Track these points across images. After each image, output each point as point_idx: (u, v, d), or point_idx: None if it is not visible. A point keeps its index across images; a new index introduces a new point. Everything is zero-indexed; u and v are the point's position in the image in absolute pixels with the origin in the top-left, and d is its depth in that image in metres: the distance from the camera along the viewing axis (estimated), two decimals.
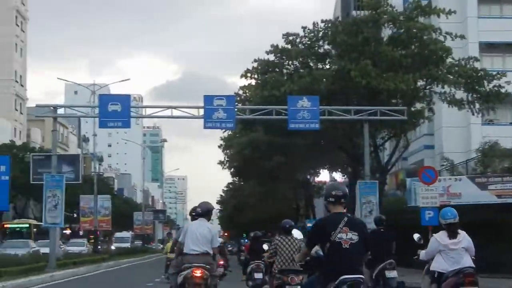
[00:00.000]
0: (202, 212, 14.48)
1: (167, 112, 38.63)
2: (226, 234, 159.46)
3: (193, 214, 15.10)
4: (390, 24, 40.71)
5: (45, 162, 41.24)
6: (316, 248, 9.18)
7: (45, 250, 43.89)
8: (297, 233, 15.84)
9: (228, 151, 61.27)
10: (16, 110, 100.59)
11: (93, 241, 63.00)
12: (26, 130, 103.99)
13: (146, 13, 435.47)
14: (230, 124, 38.29)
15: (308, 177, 67.97)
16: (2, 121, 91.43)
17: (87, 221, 59.08)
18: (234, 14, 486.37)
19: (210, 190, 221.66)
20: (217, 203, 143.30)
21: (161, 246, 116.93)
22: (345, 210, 9.18)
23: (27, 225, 61.58)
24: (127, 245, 78.48)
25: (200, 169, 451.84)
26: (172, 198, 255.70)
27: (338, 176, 79.68)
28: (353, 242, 8.96)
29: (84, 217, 59.51)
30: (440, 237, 13.29)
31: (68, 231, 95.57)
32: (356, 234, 9.02)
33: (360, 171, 47.09)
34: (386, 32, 42.38)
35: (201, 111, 37.92)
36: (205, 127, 37.62)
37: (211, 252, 14.14)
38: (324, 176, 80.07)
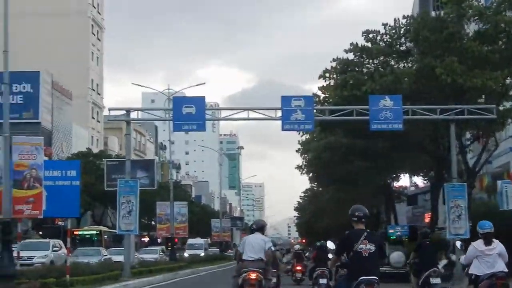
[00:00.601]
0: (257, 227, 17.98)
1: (244, 114, 37.05)
2: (303, 241, 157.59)
3: (251, 228, 18.61)
4: (476, 19, 38.43)
5: (119, 168, 40.13)
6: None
7: (118, 258, 42.83)
8: (330, 244, 17.94)
9: (306, 155, 59.55)
10: (93, 118, 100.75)
11: (170, 248, 62.02)
12: (103, 138, 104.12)
13: (222, 22, 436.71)
14: (309, 125, 36.48)
15: (389, 181, 65.73)
16: (80, 129, 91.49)
17: (163, 228, 57.82)
18: (310, 21, 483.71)
19: (287, 197, 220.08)
20: (294, 209, 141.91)
21: None
22: (364, 227, 12.24)
23: (97, 232, 61.26)
24: (201, 252, 76.50)
25: (277, 176, 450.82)
26: (249, 206, 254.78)
27: (419, 181, 77.29)
28: (371, 251, 11.96)
29: (161, 224, 58.26)
30: (477, 245, 15.68)
31: (146, 239, 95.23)
32: (373, 245, 12.03)
33: (444, 175, 44.81)
34: (471, 27, 40.10)
35: (279, 113, 36.26)
36: (283, 129, 35.96)
37: (264, 259, 17.16)
38: (404, 180, 77.71)
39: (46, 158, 75.21)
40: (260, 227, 17.93)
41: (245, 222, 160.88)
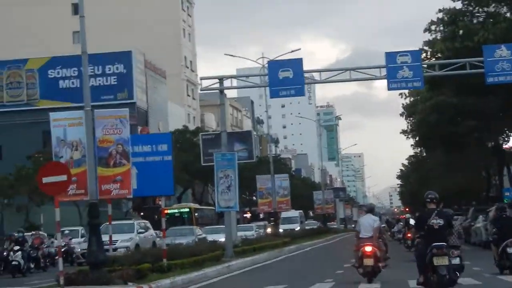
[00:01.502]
0: (367, 210, 22.66)
1: (345, 75, 33.64)
2: (407, 209, 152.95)
3: (364, 210, 23.59)
4: None
5: (216, 142, 37.18)
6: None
7: (213, 237, 40.20)
8: (411, 221, 24.59)
9: (411, 118, 55.58)
10: (188, 95, 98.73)
11: (273, 223, 59.40)
12: (199, 115, 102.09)
13: None
14: (418, 83, 32.86)
15: (501, 142, 61.26)
16: (175, 107, 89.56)
17: (265, 202, 54.63)
18: None
19: (387, 166, 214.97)
20: (397, 177, 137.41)
21: (342, 225, 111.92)
22: (435, 206, 15.84)
23: (187, 210, 58.38)
24: (296, 226, 70.42)
25: (376, 146, 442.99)
26: (349, 176, 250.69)
27: None
28: (440, 225, 15.63)
29: (262, 199, 55.15)
30: None
31: (248, 215, 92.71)
32: (442, 220, 15.68)
33: None
34: None
35: (383, 72, 32.73)
36: (389, 89, 32.55)
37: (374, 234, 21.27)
38: None
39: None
40: (370, 209, 22.91)
41: (348, 193, 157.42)
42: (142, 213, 65.33)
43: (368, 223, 21.36)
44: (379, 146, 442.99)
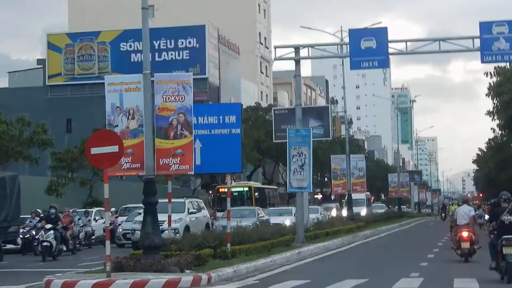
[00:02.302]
0: (463, 201, 26.36)
1: (434, 46, 30.14)
2: (481, 195, 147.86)
3: (458, 204, 29.53)
4: None
5: (289, 118, 34.01)
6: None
7: (277, 219, 37.21)
8: (469, 207, 24.95)
9: (497, 98, 51.37)
10: (262, 73, 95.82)
11: (346, 206, 56.21)
12: (272, 93, 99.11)
13: None
14: None
15: None
16: (248, 84, 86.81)
17: (339, 184, 50.94)
18: None
19: (461, 150, 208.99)
20: (472, 162, 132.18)
21: (416, 210, 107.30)
22: (507, 205, 18.29)
23: (247, 189, 53.31)
24: (361, 209, 64.19)
25: (450, 130, 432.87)
26: (422, 160, 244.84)
27: None
28: (510, 221, 17.70)
29: (336, 180, 51.46)
30: None
31: (319, 196, 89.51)
32: None
33: None
34: None
35: (476, 43, 29.16)
36: (482, 61, 29.41)
37: (470, 222, 24.35)
38: None
39: None
40: (465, 201, 26.40)
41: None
42: (211, 192, 62.72)
43: (464, 212, 24.51)
44: (453, 130, 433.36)
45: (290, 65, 32.55)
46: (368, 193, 73.99)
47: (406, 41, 30.75)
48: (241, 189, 52.80)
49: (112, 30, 72.94)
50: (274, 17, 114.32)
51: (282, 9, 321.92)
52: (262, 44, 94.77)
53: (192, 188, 62.53)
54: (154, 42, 71.64)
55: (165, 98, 20.08)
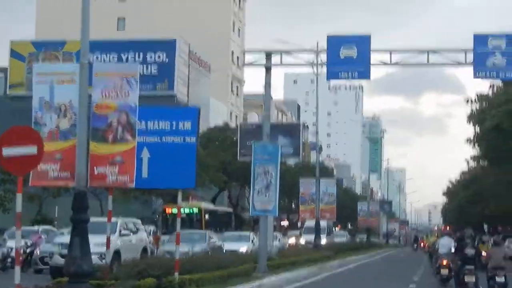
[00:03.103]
0: (446, 234, 30.80)
1: (423, 59, 26.81)
2: (447, 227, 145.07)
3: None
4: None
5: (257, 134, 30.54)
6: None
7: (232, 246, 33.42)
8: (450, 239, 28.09)
9: (478, 126, 47.94)
10: (233, 93, 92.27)
11: (305, 233, 52.51)
12: (242, 114, 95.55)
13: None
14: None
15: None
16: (218, 104, 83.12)
17: (307, 210, 47.26)
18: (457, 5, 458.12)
19: (429, 183, 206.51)
20: (443, 194, 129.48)
21: (385, 240, 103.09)
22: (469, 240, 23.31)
23: (197, 210, 47.45)
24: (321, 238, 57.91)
25: (419, 162, 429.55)
26: (390, 191, 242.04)
27: None
28: (472, 254, 22.39)
29: (304, 205, 47.71)
30: None
31: (285, 222, 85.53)
32: (473, 250, 22.71)
33: None
34: None
35: (469, 57, 25.87)
36: (475, 76, 26.35)
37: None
38: None
39: None
40: (447, 234, 30.61)
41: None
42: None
43: (446, 244, 27.42)
44: (422, 163, 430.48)
45: (262, 88, 28.95)
46: (330, 221, 67.03)
47: (391, 51, 27.35)
48: (189, 210, 46.89)
49: (78, 40, 69.00)
50: (248, 38, 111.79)
51: (258, 29, 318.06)
52: (234, 63, 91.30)
53: (153, 206, 58.51)
54: (122, 54, 68.32)
55: (105, 93, 16.47)
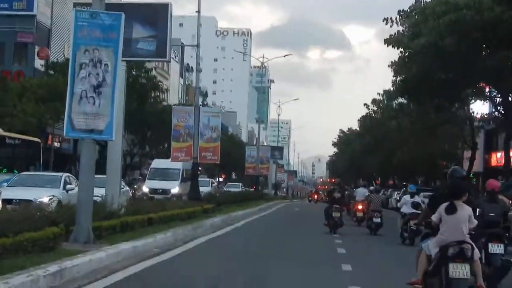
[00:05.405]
0: (363, 185, 39.60)
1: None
2: (333, 180, 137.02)
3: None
4: None
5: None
6: None
7: (22, 193, 21.29)
8: (365, 190, 33.89)
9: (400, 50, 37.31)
10: None
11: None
12: None
13: None
14: None
15: None
16: None
17: (181, 148, 34.03)
18: None
19: (315, 135, 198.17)
20: (333, 145, 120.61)
21: (273, 191, 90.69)
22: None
23: None
24: (173, 186, 40.93)
25: (305, 115, 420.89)
26: (275, 142, 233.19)
27: None
28: (339, 196, 27.40)
29: (178, 142, 34.38)
30: None
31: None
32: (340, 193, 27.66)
33: None
34: None
35: None
36: None
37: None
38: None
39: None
40: (364, 185, 38.43)
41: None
42: None
43: (362, 193, 32.81)
44: (306, 116, 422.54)
45: None
46: (189, 162, 45.78)
47: None
48: None
49: None
50: None
51: None
52: None
53: None
54: None
55: None
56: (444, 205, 9.61)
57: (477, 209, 12.04)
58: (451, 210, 9.52)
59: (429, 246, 9.75)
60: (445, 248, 9.41)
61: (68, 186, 23.12)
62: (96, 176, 14.95)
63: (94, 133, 14.04)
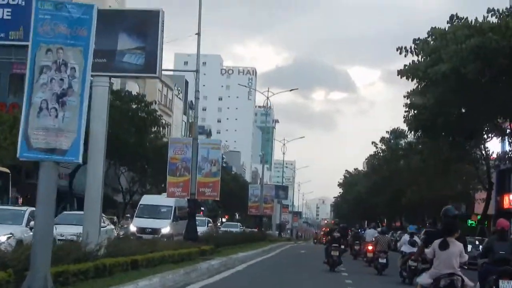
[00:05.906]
0: (372, 226, 39.77)
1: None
2: (333, 222, 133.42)
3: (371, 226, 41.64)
4: None
5: None
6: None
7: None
8: (374, 231, 34.55)
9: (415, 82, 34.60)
10: None
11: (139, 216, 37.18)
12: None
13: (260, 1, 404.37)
14: None
15: None
16: None
17: (178, 183, 30.62)
18: (347, 3, 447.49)
19: (320, 177, 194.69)
20: (338, 186, 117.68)
21: (278, 232, 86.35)
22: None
23: None
24: (163, 225, 36.61)
25: (309, 156, 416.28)
26: (279, 183, 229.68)
27: None
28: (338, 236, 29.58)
29: (174, 177, 30.81)
30: None
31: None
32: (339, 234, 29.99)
33: None
34: None
35: None
36: None
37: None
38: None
39: None
40: (373, 226, 39.18)
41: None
42: None
43: (372, 234, 33.30)
44: (310, 157, 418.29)
45: None
46: (184, 199, 39.21)
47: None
48: None
49: None
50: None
51: None
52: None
53: None
54: None
55: None
56: (438, 241, 10.82)
57: (468, 245, 13.86)
58: (444, 246, 10.71)
59: (424, 278, 10.97)
60: (438, 280, 10.59)
61: (32, 223, 19.87)
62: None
63: (56, 154, 11.07)
